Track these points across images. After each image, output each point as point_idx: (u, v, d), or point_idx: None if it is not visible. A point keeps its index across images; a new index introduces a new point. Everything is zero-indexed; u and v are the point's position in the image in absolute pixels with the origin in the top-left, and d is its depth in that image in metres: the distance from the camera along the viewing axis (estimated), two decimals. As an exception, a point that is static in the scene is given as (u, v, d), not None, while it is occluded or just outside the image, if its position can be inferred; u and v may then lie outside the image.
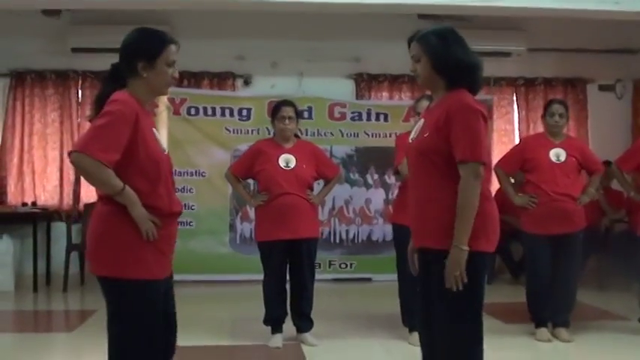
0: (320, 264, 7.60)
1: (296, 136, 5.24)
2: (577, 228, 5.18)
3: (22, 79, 8.13)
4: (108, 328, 2.78)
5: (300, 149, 5.14)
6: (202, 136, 7.85)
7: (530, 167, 5.28)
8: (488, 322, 5.81)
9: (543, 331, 5.21)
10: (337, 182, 5.51)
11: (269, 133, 5.90)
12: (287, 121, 5.06)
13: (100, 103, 2.74)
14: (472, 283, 2.77)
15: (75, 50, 7.89)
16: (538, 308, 5.26)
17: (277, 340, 5.05)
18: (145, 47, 2.76)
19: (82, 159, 2.58)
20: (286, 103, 5.16)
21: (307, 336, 5.12)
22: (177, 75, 2.85)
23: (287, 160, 5.02)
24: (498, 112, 8.50)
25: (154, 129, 2.85)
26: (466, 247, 2.71)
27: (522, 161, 5.33)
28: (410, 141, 3.04)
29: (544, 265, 5.19)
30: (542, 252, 5.17)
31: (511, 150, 5.76)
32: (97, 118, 2.65)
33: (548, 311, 5.23)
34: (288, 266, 5.13)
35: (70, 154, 2.66)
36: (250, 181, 5.72)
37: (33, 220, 7.64)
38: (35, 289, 7.52)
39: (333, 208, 7.99)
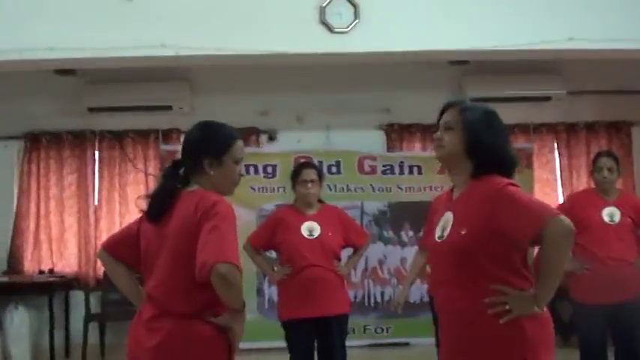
0: (354, 329, 7.70)
1: (320, 201, 5.13)
2: (635, 296, 4.95)
3: (37, 142, 8.41)
4: None
5: (324, 215, 5.03)
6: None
7: (580, 228, 4.80)
8: None
9: None
10: (366, 250, 5.40)
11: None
12: (309, 185, 4.96)
13: (159, 200, 2.76)
14: None
15: (91, 110, 8.13)
16: None
17: None
18: (211, 143, 2.78)
19: (235, 272, 2.46)
20: (307, 165, 5.14)
21: None
22: (244, 172, 2.88)
23: (311, 229, 4.92)
24: (539, 160, 8.57)
25: None
26: (538, 310, 2.55)
27: (571, 221, 5.20)
28: (437, 240, 2.73)
29: (598, 338, 5.05)
30: (596, 324, 5.01)
31: (558, 207, 5.36)
32: (218, 221, 2.54)
33: None
34: (316, 345, 5.00)
35: (212, 265, 2.44)
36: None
37: (50, 290, 7.79)
38: (52, 363, 7.64)
39: (366, 268, 8.06)
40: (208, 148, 2.77)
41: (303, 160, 5.30)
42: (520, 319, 2.51)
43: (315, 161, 8.00)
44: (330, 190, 7.95)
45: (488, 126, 2.68)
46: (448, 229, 2.67)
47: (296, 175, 5.04)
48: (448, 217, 2.71)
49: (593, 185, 5.36)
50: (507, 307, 2.51)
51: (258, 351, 7.60)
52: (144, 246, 2.79)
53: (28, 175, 8.41)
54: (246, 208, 7.96)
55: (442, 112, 2.82)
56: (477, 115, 2.70)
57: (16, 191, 8.44)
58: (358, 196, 8.12)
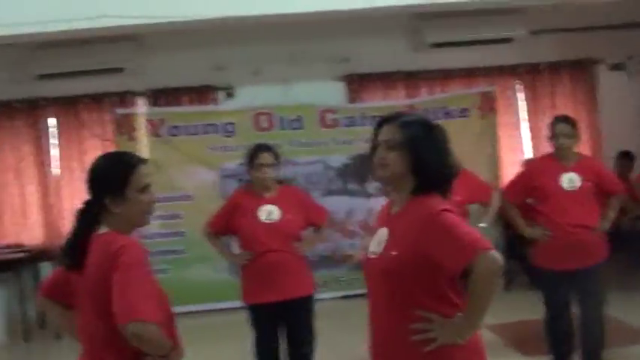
0: (326, 281, 7.88)
1: (280, 182, 5.00)
2: (597, 261, 4.99)
3: (-13, 112, 8.22)
4: None
5: (283, 197, 4.88)
6: (185, 156, 7.96)
7: (540, 196, 5.09)
8: (505, 354, 5.73)
9: None
10: (325, 228, 5.27)
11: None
12: (265, 170, 4.79)
13: (69, 249, 2.63)
14: None
15: (42, 77, 7.98)
16: (558, 347, 5.17)
17: None
18: (109, 178, 2.60)
19: (144, 328, 2.37)
20: (263, 148, 4.88)
21: None
22: (155, 198, 2.69)
23: (268, 212, 4.78)
24: (502, 104, 8.51)
25: None
26: (461, 341, 2.50)
27: (530, 189, 5.15)
28: (369, 255, 2.69)
29: (561, 303, 5.08)
30: (559, 289, 5.04)
31: (517, 176, 5.54)
32: (121, 273, 2.44)
33: (570, 347, 5.16)
34: (281, 326, 4.94)
35: (122, 327, 2.37)
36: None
37: (18, 265, 7.68)
38: (27, 338, 7.63)
39: (334, 222, 8.07)
40: (106, 186, 2.59)
41: (257, 143, 5.04)
42: (447, 347, 2.48)
43: (276, 117, 8.05)
44: (292, 145, 7.93)
45: (430, 142, 2.60)
46: (382, 247, 2.62)
47: (252, 158, 4.84)
48: (383, 233, 2.66)
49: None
50: (432, 334, 2.48)
51: (232, 310, 7.61)
52: (73, 292, 2.68)
53: (-18, 147, 8.27)
54: (207, 168, 7.96)
55: (378, 127, 2.69)
56: (419, 131, 2.60)
57: (-27, 164, 8.31)
58: (321, 151, 8.08)
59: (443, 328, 2.48)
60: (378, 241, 2.64)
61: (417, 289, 2.50)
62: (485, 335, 6.08)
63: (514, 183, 5.42)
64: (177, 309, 8.48)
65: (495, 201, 5.09)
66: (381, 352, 2.65)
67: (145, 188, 2.62)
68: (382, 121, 2.68)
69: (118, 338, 2.41)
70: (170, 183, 7.92)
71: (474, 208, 5.40)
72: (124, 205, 2.58)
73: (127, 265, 2.44)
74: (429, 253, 2.46)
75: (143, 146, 7.94)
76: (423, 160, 2.56)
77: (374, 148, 2.67)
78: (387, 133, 2.62)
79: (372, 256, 2.65)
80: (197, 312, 7.81)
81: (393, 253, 2.53)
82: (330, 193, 8.08)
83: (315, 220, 5.07)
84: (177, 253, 7.96)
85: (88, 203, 2.65)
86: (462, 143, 7.74)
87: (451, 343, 2.48)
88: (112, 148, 8.09)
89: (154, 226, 7.95)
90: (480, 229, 4.71)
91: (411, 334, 2.49)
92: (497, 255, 2.41)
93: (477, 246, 2.41)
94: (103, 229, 2.59)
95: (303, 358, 4.95)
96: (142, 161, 2.67)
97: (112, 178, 2.59)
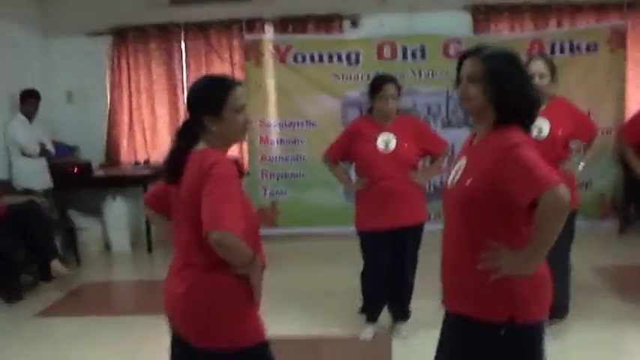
0: (439, 213, 7.91)
1: (397, 111, 5.01)
2: None
3: (124, 36, 8.69)
4: None
5: (401, 126, 4.95)
6: (310, 83, 8.16)
7: None
8: (603, 297, 5.73)
9: None
10: (445, 158, 5.28)
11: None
12: (389, 100, 4.85)
13: (170, 162, 2.82)
14: None
15: (174, 3, 8.30)
16: None
17: (368, 332, 5.15)
18: (207, 99, 2.79)
19: (227, 237, 2.54)
20: (388, 79, 4.92)
21: (401, 327, 5.17)
22: (249, 119, 2.89)
23: (386, 141, 4.88)
24: (633, 39, 8.18)
25: None
26: (526, 273, 2.56)
27: None
28: (448, 184, 2.77)
29: None
30: None
31: (635, 116, 5.38)
32: (213, 184, 2.63)
33: None
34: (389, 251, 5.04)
35: (206, 233, 2.56)
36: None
37: (145, 181, 8.10)
38: (150, 249, 8.22)
39: (453, 154, 8.06)
40: (205, 105, 2.79)
41: (382, 73, 5.12)
42: (512, 278, 2.56)
43: (400, 46, 8.11)
44: (415, 75, 8.01)
45: (511, 75, 2.64)
46: (458, 176, 2.70)
47: (376, 89, 4.90)
48: (462, 162, 2.73)
49: None
50: (498, 264, 2.56)
51: (345, 235, 7.85)
52: (171, 203, 2.92)
53: (118, 69, 8.76)
54: (330, 96, 8.14)
55: (460, 61, 2.74)
56: (500, 64, 2.64)
57: (108, 85, 8.81)
58: (443, 82, 8.01)
59: (508, 259, 2.54)
60: (456, 171, 2.73)
61: (488, 219, 2.58)
62: (588, 276, 6.15)
63: (632, 123, 5.28)
64: (292, 230, 8.93)
65: (599, 141, 4.94)
66: (449, 280, 2.77)
67: (240, 108, 2.80)
68: (464, 55, 2.72)
69: (206, 246, 2.60)
70: (294, 109, 8.19)
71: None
72: (220, 124, 2.76)
73: (218, 177, 2.63)
74: (500, 183, 2.51)
75: (270, 72, 8.20)
76: (503, 93, 2.61)
77: (458, 81, 2.73)
78: (469, 66, 2.67)
79: (450, 185, 2.74)
80: (311, 234, 8.17)
81: (468, 182, 2.60)
82: (450, 124, 8.12)
83: (432, 149, 5.11)
84: (296, 177, 8.27)
85: (187, 122, 2.85)
86: (589, 79, 7.70)
87: (516, 275, 2.55)
88: (240, 73, 8.40)
89: (275, 149, 8.28)
90: (580, 168, 4.71)
91: (478, 264, 2.58)
92: (565, 191, 2.43)
93: (546, 180, 2.44)
94: (200, 146, 2.79)
95: (404, 283, 5.11)
96: (238, 83, 2.85)
97: (211, 99, 2.78)
